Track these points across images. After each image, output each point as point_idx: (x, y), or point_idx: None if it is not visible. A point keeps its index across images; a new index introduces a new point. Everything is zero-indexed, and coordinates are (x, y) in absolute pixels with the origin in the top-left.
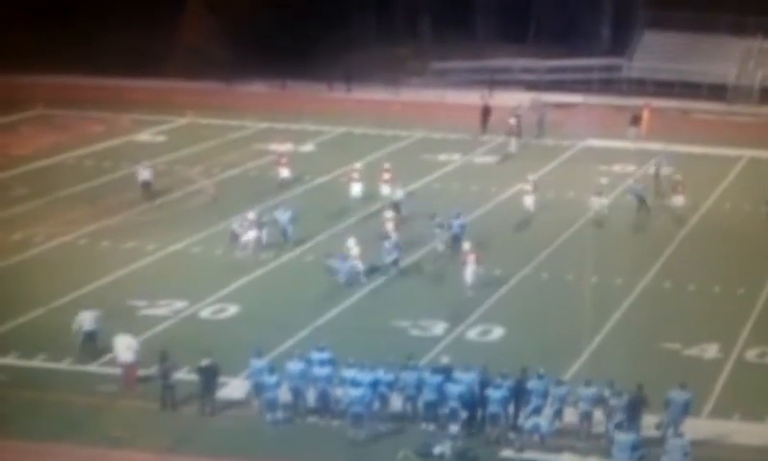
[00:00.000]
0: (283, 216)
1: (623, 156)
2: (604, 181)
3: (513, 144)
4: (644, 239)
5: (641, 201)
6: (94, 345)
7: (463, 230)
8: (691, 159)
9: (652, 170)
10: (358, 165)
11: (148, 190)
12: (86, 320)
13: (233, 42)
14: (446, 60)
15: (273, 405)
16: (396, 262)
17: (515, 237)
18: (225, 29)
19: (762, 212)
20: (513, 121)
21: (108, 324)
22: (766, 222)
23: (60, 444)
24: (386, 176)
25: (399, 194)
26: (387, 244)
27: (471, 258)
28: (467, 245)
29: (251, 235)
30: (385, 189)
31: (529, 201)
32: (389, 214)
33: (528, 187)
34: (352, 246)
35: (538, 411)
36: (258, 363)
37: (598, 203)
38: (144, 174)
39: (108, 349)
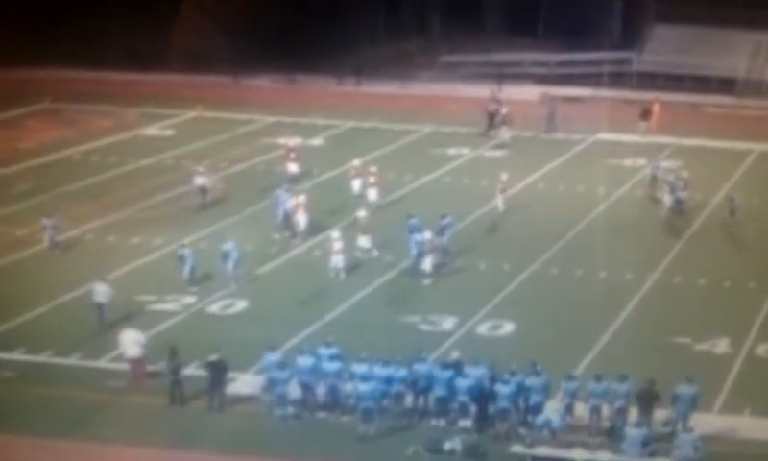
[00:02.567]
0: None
1: (634, 149)
2: (671, 177)
3: (505, 133)
4: (654, 234)
5: (678, 200)
6: (101, 317)
7: (446, 230)
8: (701, 153)
9: (648, 172)
10: (357, 162)
11: (204, 196)
12: (97, 291)
13: (242, 36)
14: (456, 53)
15: (282, 400)
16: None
17: (524, 232)
18: (233, 22)
19: (727, 208)
20: (505, 111)
21: (116, 319)
22: (729, 218)
23: (68, 439)
24: (371, 179)
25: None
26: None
27: (430, 249)
28: (428, 235)
29: (301, 220)
30: (372, 193)
31: (500, 200)
32: (361, 214)
33: (500, 186)
34: (336, 239)
35: (538, 407)
36: (272, 357)
37: (669, 200)
38: (199, 180)
39: (116, 344)
